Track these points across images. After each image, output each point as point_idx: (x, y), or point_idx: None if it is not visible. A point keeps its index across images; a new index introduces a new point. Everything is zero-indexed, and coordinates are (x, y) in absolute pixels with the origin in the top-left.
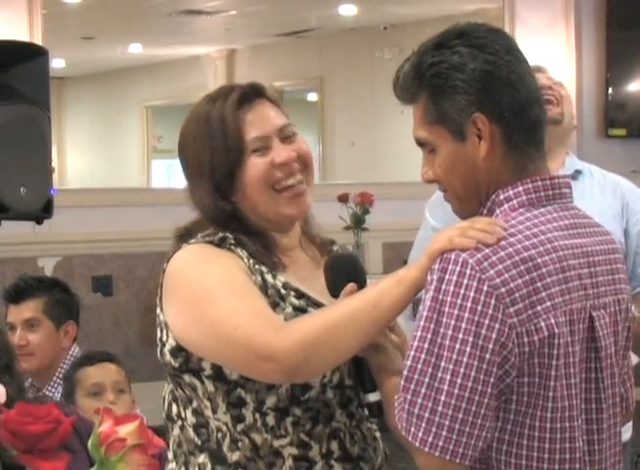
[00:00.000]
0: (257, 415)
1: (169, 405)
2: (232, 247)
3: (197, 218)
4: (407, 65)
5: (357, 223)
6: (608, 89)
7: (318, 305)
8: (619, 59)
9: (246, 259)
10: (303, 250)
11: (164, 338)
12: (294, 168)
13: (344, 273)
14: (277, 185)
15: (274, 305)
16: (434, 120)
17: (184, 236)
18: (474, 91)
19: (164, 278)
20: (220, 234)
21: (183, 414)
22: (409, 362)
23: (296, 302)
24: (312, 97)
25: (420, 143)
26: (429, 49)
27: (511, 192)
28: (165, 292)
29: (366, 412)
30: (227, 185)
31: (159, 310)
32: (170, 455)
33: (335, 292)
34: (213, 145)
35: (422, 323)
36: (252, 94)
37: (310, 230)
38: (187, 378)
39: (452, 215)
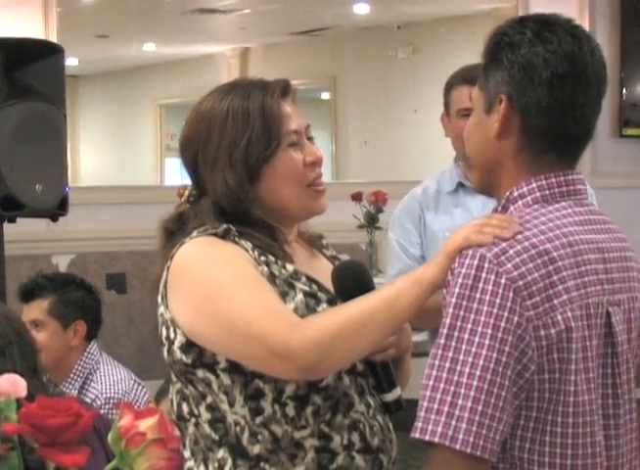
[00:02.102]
0: (277, 406)
1: (179, 405)
2: (236, 239)
3: (179, 210)
4: (498, 25)
5: (371, 222)
6: (622, 89)
7: (327, 290)
8: (634, 58)
9: (251, 251)
10: (298, 243)
11: (172, 335)
12: (319, 169)
13: (352, 280)
14: (307, 182)
15: (283, 295)
16: (481, 85)
17: (174, 232)
18: (513, 73)
19: (169, 275)
20: (224, 226)
21: (196, 411)
22: (429, 360)
23: (306, 288)
24: (325, 96)
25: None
26: (513, 19)
27: (525, 189)
28: (171, 288)
29: (378, 400)
30: (257, 171)
31: (162, 309)
32: (188, 454)
33: (343, 298)
34: (252, 130)
35: (444, 320)
36: (288, 89)
37: (300, 226)
38: (200, 373)
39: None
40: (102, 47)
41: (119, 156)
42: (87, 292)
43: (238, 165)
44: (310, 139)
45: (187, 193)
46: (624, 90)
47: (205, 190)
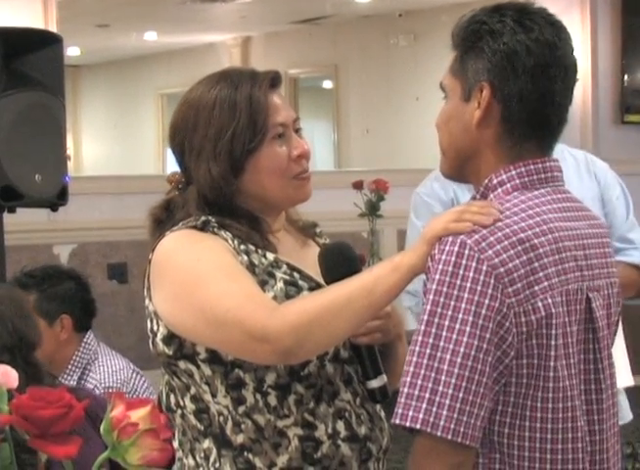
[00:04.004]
0: (258, 395)
1: (167, 397)
2: (215, 230)
3: (167, 197)
4: (469, 14)
5: (372, 210)
6: (623, 75)
7: (309, 278)
8: (635, 45)
9: (230, 241)
10: (287, 232)
11: (155, 328)
12: (306, 162)
13: (339, 262)
14: (291, 175)
15: (262, 284)
16: (456, 73)
17: (163, 221)
18: (495, 62)
19: (151, 268)
20: (203, 218)
21: (182, 403)
22: (410, 346)
23: (286, 276)
24: (327, 84)
25: (442, 88)
26: (487, 8)
27: (504, 176)
28: (153, 280)
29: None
30: (241, 163)
31: (147, 301)
32: (176, 445)
33: (330, 281)
34: (238, 122)
35: (424, 307)
36: (277, 81)
37: (291, 215)
38: (182, 365)
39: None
40: (103, 37)
41: (122, 145)
42: (74, 283)
43: (222, 157)
44: (298, 131)
45: (175, 180)
46: (626, 77)
47: (191, 178)
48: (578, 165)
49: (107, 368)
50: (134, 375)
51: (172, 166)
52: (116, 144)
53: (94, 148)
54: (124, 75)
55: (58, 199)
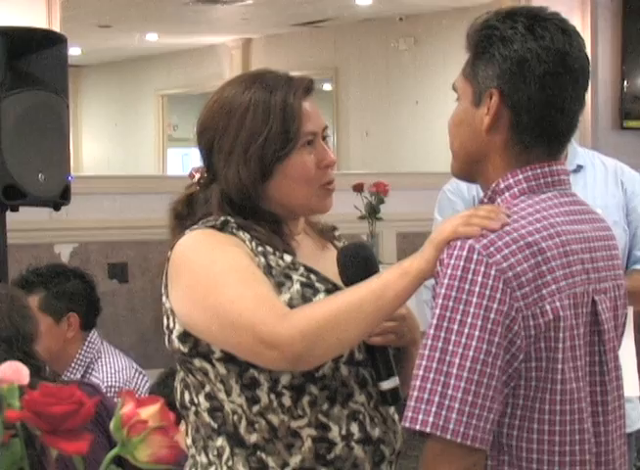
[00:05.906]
0: (273, 396)
1: (182, 394)
2: (234, 230)
3: (188, 191)
4: (483, 17)
5: (372, 213)
6: (623, 81)
7: (326, 280)
8: (635, 51)
9: (248, 242)
10: (307, 235)
11: (171, 325)
12: (332, 172)
13: (357, 263)
14: (318, 184)
15: (279, 285)
16: (468, 76)
17: (184, 215)
18: (505, 68)
19: (169, 265)
20: (222, 218)
21: (196, 400)
22: (419, 350)
23: (303, 278)
24: (327, 87)
25: (454, 89)
26: (501, 13)
27: (511, 180)
28: (170, 278)
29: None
30: (271, 169)
31: (164, 298)
32: (189, 441)
33: (348, 282)
34: (271, 128)
35: (433, 311)
36: (311, 88)
37: (311, 218)
38: (197, 363)
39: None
40: (104, 37)
41: (122, 146)
42: (80, 281)
43: (252, 162)
44: (325, 139)
45: (198, 175)
46: (625, 82)
47: (217, 178)
48: (607, 173)
49: (109, 367)
50: (137, 374)
51: (173, 167)
52: (117, 144)
53: (94, 148)
54: (125, 76)
55: (61, 198)
